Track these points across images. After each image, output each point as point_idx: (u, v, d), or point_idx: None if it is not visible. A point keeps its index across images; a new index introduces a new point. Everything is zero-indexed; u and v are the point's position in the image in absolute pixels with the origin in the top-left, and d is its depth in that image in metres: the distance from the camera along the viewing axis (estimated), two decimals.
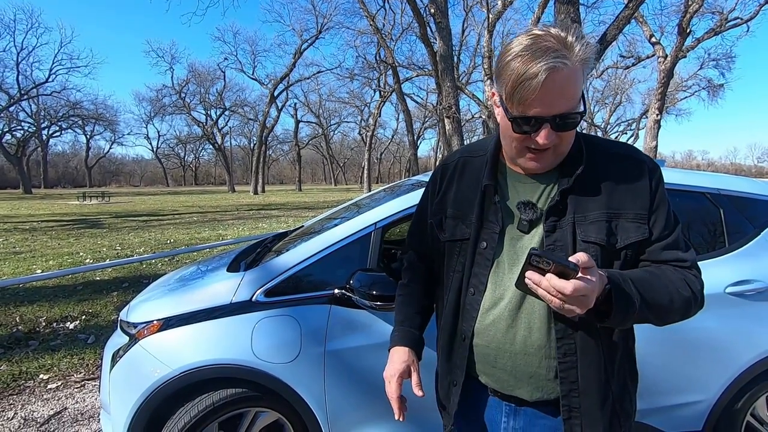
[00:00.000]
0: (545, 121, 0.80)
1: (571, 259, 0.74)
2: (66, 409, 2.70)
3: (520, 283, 0.79)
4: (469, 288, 0.96)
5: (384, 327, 1.71)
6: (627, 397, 0.94)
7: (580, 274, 0.72)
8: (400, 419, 0.99)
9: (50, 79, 39.13)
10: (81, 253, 7.51)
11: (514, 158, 0.92)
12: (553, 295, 0.74)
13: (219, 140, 45.39)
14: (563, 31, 0.79)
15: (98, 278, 5.68)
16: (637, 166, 0.92)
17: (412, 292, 1.14)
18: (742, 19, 16.81)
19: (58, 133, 50.87)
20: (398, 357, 1.02)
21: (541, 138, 0.82)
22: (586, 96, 0.85)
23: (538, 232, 0.91)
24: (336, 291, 1.74)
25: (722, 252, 1.89)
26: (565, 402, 0.89)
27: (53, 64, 39.30)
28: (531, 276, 0.75)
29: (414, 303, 1.12)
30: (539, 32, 0.79)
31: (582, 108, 0.82)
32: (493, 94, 0.90)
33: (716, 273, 1.81)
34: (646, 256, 0.91)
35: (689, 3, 13.86)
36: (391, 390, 0.99)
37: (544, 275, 0.74)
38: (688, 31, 14.28)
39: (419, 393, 0.97)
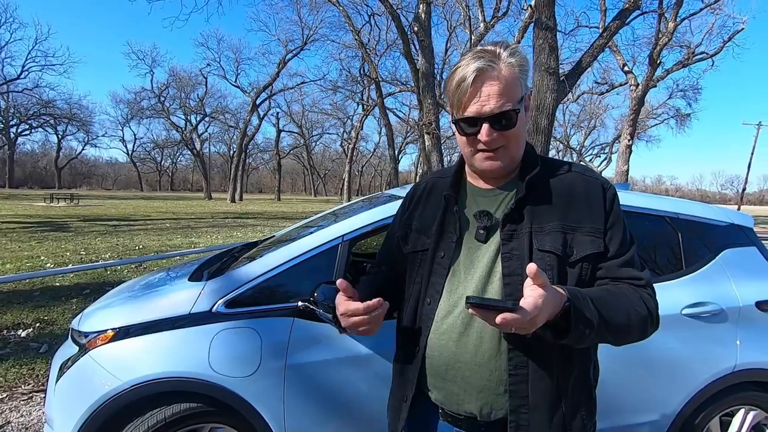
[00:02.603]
0: (483, 120, 0.87)
1: (526, 290, 0.75)
2: (9, 423, 2.53)
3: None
4: (426, 298, 0.97)
5: (348, 342, 1.69)
6: (579, 418, 0.92)
7: (520, 304, 0.73)
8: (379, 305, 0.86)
9: (22, 76, 37.92)
10: (42, 257, 7.16)
11: (472, 164, 0.96)
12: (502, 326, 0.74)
13: (198, 146, 44.54)
14: (495, 45, 0.90)
15: (58, 284, 5.43)
16: (591, 185, 0.95)
17: (366, 284, 1.09)
18: (707, 53, 17.82)
19: (27, 132, 49.16)
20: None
21: (483, 135, 0.88)
22: (528, 101, 0.93)
23: (495, 240, 0.93)
24: (300, 304, 1.70)
25: (680, 274, 1.94)
26: (513, 418, 0.87)
27: (26, 60, 38.16)
28: (476, 312, 0.75)
29: (367, 285, 1.07)
30: (478, 48, 0.91)
31: (519, 108, 0.88)
32: (450, 121, 0.97)
33: (673, 295, 1.86)
34: (604, 272, 0.92)
35: (659, 36, 14.61)
36: (343, 307, 0.89)
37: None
38: (658, 62, 15.02)
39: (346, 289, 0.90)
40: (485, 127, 0.87)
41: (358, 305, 0.87)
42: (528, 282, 0.76)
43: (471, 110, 0.87)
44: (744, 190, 29.45)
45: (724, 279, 1.95)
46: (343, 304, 0.90)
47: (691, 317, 1.86)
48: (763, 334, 1.91)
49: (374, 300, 0.87)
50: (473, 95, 0.86)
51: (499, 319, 0.71)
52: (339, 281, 0.89)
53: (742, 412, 1.95)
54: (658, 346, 1.79)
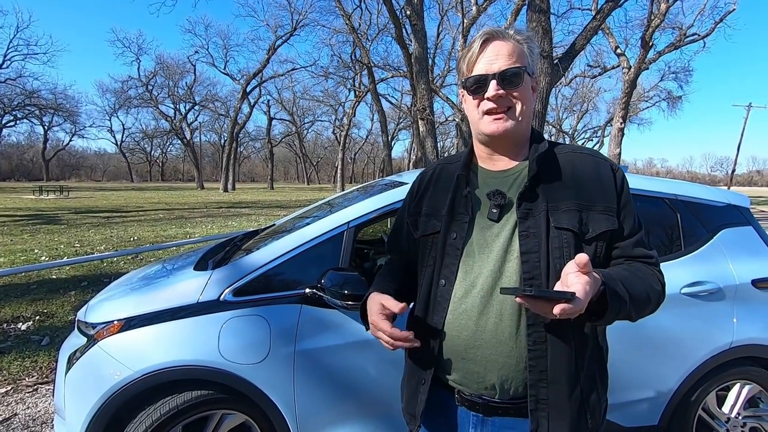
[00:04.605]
0: (490, 78, 0.92)
1: (571, 277, 0.77)
2: (16, 414, 2.55)
3: (505, 291, 0.82)
4: (440, 280, 0.97)
5: (355, 327, 1.71)
6: (595, 393, 0.95)
7: (576, 295, 0.74)
8: (410, 342, 0.90)
9: (4, 66, 36.94)
10: (36, 251, 7.10)
11: (480, 130, 0.97)
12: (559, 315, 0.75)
13: (188, 135, 43.92)
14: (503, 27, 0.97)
15: (54, 277, 5.40)
16: (601, 166, 0.97)
17: (386, 276, 1.11)
18: (699, 35, 17.81)
19: (12, 123, 47.96)
20: (374, 298, 0.96)
21: (491, 90, 0.91)
22: (533, 68, 0.97)
23: (510, 219, 0.94)
24: (307, 290, 1.72)
25: (679, 255, 1.98)
26: (533, 392, 0.89)
27: (8, 50, 37.11)
28: (526, 302, 0.77)
29: (388, 280, 1.09)
30: (487, 29, 0.97)
31: (527, 68, 0.93)
32: (461, 94, 1.00)
33: (673, 274, 1.90)
34: (620, 251, 0.95)
35: (652, 17, 14.55)
36: (383, 326, 0.90)
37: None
38: (650, 44, 14.97)
39: (396, 308, 0.90)
40: (492, 83, 0.91)
41: (385, 328, 0.90)
42: (572, 268, 0.78)
43: (479, 68, 0.93)
44: (733, 171, 29.78)
45: (721, 258, 1.99)
46: (376, 318, 0.92)
47: (689, 296, 1.91)
48: (758, 311, 1.97)
49: (405, 332, 0.90)
50: (481, 55, 0.93)
51: (557, 309, 0.73)
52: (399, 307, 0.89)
53: (737, 386, 2.01)
54: (657, 324, 1.84)
